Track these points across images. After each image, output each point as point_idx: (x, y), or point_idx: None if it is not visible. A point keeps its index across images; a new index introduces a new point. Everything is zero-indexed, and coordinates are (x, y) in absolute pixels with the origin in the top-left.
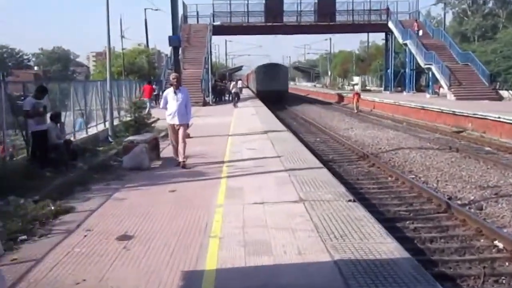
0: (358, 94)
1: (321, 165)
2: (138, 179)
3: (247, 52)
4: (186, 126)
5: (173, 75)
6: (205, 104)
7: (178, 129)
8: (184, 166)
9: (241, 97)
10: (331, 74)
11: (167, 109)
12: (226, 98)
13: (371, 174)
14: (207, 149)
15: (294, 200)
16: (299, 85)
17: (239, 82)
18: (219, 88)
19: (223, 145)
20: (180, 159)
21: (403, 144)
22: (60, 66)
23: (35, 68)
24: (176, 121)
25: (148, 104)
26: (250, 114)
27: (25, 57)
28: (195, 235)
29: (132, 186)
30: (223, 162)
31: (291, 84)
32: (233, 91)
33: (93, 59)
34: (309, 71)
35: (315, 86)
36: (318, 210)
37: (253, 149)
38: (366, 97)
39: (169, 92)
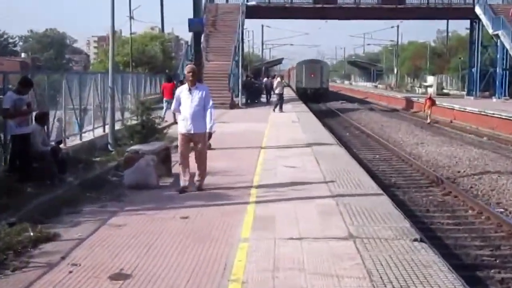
0: (431, 100)
1: (380, 191)
2: (142, 200)
3: (290, 41)
4: (206, 136)
5: (188, 68)
6: (233, 106)
7: (194, 141)
8: (200, 188)
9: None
10: (397, 72)
11: (180, 113)
12: (262, 99)
13: (445, 205)
14: (232, 165)
15: (342, 236)
16: (356, 85)
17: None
18: (255, 86)
19: (253, 161)
20: (196, 180)
21: (489, 167)
22: (53, 53)
23: (22, 54)
24: (190, 128)
25: (166, 106)
26: (291, 121)
27: (11, 40)
28: (210, 277)
29: (134, 209)
30: (251, 182)
31: (345, 83)
32: (276, 91)
33: (94, 45)
34: (369, 68)
35: (376, 87)
36: (373, 251)
37: (291, 167)
38: (443, 103)
39: (183, 90)
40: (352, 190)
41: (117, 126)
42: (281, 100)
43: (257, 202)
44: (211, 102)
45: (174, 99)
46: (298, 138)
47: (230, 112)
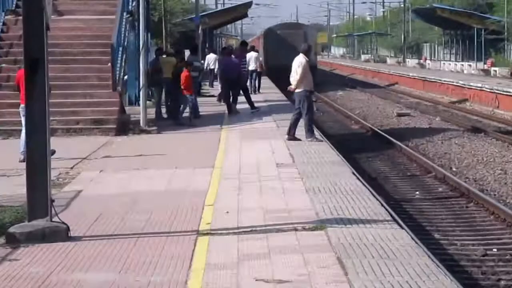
0: None
1: None
2: None
3: None
4: None
5: None
6: (127, 127)
7: None
8: None
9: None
10: None
11: None
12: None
13: None
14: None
15: None
16: (435, 69)
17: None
18: (188, 72)
19: (179, 271)
20: None
21: None
22: None
23: None
24: None
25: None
26: (273, 163)
27: None
28: None
29: None
30: None
31: (407, 64)
32: (300, 88)
33: None
34: (468, 26)
35: (487, 72)
36: None
37: (277, 284)
38: None
39: None
40: None
41: None
42: (308, 110)
43: None
44: None
45: None
46: (291, 208)
47: (119, 142)
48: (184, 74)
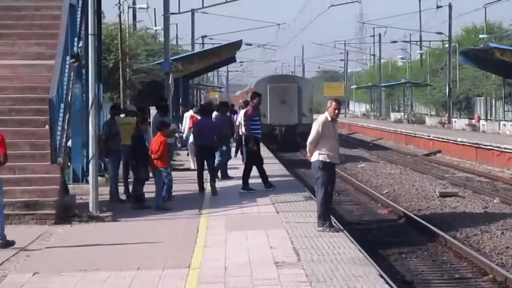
0: None
1: None
2: None
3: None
4: None
5: None
6: (68, 212)
7: None
8: None
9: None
10: None
11: None
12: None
13: None
14: None
15: None
16: (492, 131)
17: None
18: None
19: None
20: None
21: None
22: None
23: None
24: None
25: None
26: (271, 262)
27: None
28: None
29: None
30: None
31: (455, 125)
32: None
33: None
34: None
35: None
36: None
37: None
38: None
39: None
40: None
41: None
42: (321, 190)
43: None
44: None
45: None
46: None
47: (60, 233)
48: (158, 139)
